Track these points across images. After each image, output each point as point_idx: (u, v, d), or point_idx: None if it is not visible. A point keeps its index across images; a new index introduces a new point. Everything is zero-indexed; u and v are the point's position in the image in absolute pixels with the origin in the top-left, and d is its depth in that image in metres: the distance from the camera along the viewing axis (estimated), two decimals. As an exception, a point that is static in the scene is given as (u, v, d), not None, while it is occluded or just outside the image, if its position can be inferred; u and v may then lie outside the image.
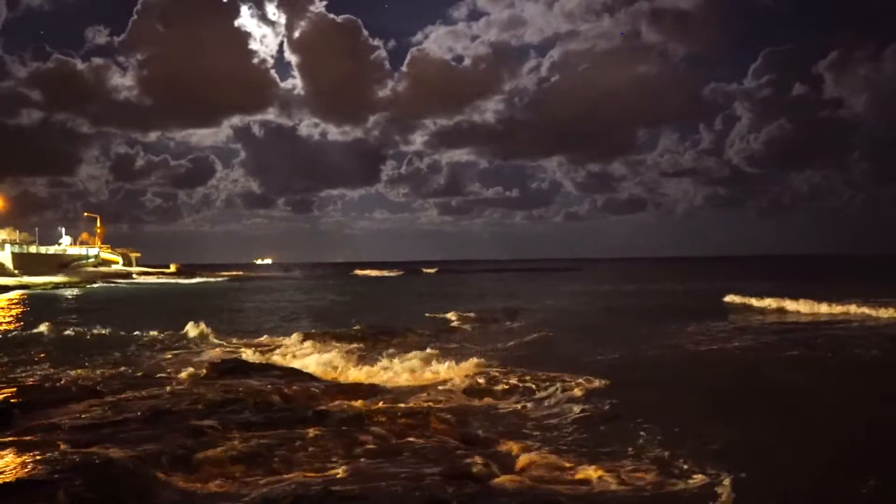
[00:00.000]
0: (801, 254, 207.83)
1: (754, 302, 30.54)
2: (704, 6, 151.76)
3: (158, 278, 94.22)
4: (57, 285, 71.19)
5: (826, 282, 56.62)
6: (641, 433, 9.90)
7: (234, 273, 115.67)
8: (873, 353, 18.05)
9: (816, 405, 12.21)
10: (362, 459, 8.86)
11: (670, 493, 7.77)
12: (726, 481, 7.79)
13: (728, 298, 33.16)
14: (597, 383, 13.70)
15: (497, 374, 15.40)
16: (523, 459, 8.87)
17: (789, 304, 28.69)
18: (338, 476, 8.19)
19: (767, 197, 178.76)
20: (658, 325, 24.82)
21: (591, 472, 8.35)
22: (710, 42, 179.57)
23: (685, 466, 8.44)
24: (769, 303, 29.61)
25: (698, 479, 8.04)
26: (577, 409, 11.80)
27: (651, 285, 59.07)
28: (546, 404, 12.41)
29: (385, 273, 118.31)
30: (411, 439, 9.77)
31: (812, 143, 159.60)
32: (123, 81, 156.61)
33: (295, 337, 21.56)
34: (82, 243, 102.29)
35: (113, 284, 76.88)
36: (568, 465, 8.66)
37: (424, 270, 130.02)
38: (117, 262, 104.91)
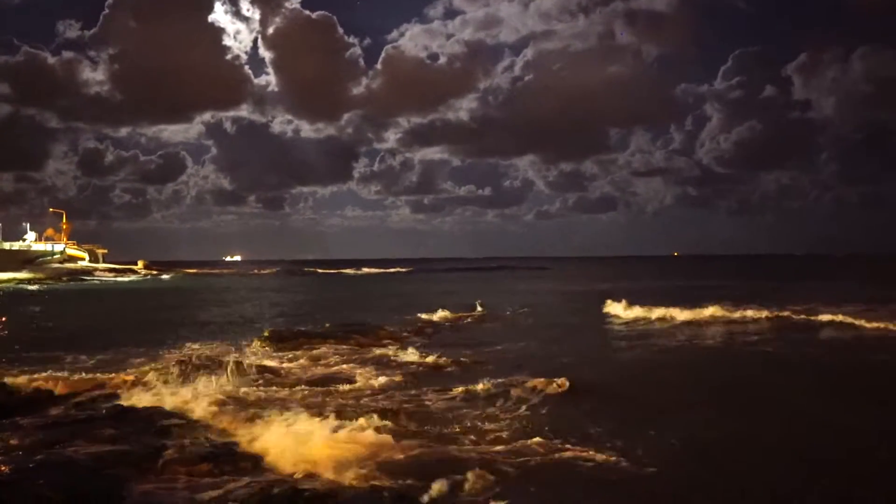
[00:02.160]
0: (770, 253, 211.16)
1: (619, 310, 29.12)
2: (677, 8, 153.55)
3: (125, 276, 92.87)
4: (20, 282, 69.80)
5: (776, 283, 57.74)
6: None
7: (204, 270, 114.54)
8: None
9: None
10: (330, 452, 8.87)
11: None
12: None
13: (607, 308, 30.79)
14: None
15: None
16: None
17: (657, 312, 27.34)
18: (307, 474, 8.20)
19: (737, 197, 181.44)
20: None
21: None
22: (682, 43, 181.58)
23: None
24: (636, 310, 28.30)
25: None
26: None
27: (596, 285, 58.81)
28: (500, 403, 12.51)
29: (392, 270, 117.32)
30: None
31: (781, 143, 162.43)
32: (94, 76, 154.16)
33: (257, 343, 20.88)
34: (47, 239, 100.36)
35: (77, 282, 75.60)
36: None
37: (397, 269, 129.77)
38: (84, 259, 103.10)
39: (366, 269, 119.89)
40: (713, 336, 21.81)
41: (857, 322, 23.24)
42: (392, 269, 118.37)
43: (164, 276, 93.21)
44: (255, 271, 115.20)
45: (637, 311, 27.70)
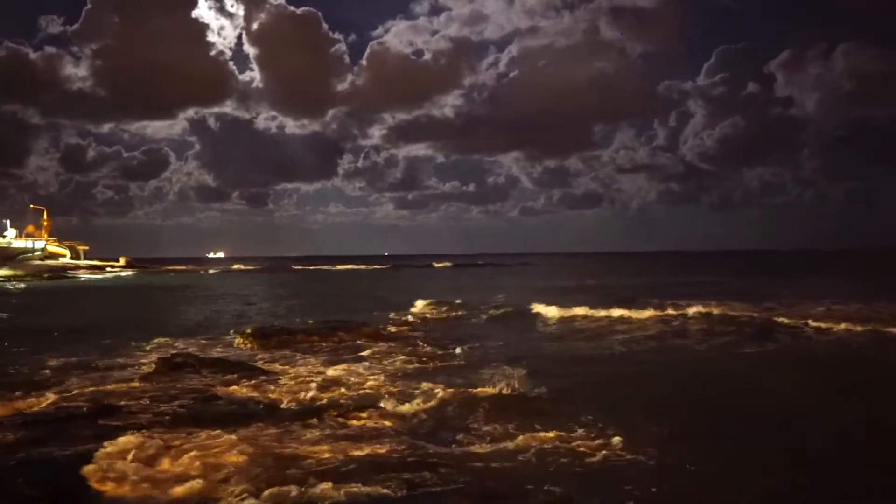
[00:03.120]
0: (753, 249, 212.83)
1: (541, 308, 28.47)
2: (662, 4, 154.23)
3: (101, 273, 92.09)
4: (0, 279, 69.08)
5: (753, 280, 58.48)
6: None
7: (186, 267, 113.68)
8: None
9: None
10: (311, 451, 8.92)
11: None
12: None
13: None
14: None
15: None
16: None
17: (578, 311, 26.73)
18: (284, 468, 8.24)
19: (720, 193, 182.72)
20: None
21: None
22: (666, 40, 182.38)
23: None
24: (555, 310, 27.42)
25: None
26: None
27: (563, 282, 58.94)
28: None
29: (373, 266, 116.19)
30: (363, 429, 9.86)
31: (764, 140, 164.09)
32: (77, 72, 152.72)
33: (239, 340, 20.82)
34: (28, 236, 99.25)
35: (57, 279, 74.89)
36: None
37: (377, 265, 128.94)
38: (65, 256, 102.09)
39: (340, 266, 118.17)
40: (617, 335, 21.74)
41: (778, 319, 23.28)
42: (363, 266, 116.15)
43: (145, 273, 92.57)
44: (237, 267, 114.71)
45: (562, 312, 27.02)
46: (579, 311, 26.80)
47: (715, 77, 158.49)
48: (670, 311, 25.51)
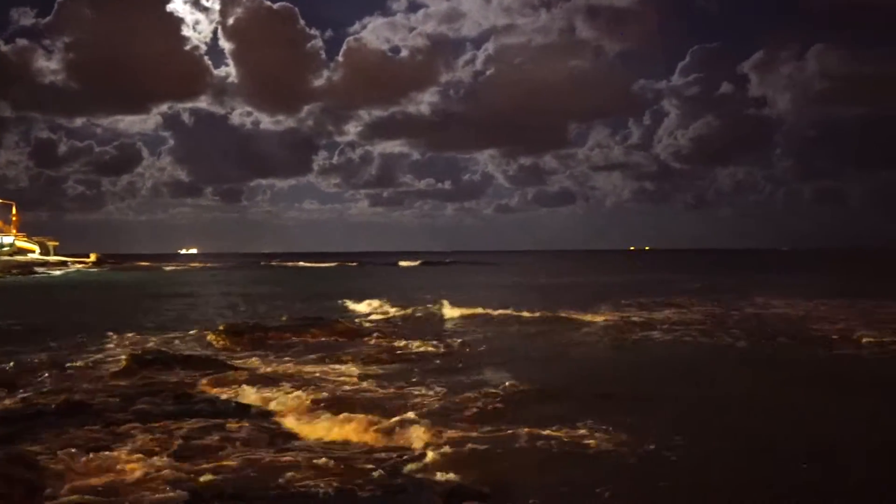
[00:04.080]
0: (727, 248, 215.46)
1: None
2: (637, 4, 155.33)
3: (77, 268, 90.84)
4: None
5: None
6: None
7: (158, 263, 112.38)
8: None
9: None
10: (285, 450, 8.98)
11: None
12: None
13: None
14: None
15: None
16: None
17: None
18: (258, 467, 8.30)
19: (693, 191, 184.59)
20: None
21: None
22: (642, 39, 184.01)
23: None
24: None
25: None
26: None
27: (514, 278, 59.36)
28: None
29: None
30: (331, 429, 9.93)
31: (737, 139, 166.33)
32: (49, 65, 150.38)
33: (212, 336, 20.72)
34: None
35: (26, 275, 73.71)
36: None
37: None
38: (34, 251, 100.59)
39: (301, 263, 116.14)
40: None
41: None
42: (324, 264, 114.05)
43: (117, 270, 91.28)
44: (208, 264, 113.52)
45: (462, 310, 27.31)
46: (479, 310, 27.39)
47: (689, 77, 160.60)
48: (579, 317, 25.89)
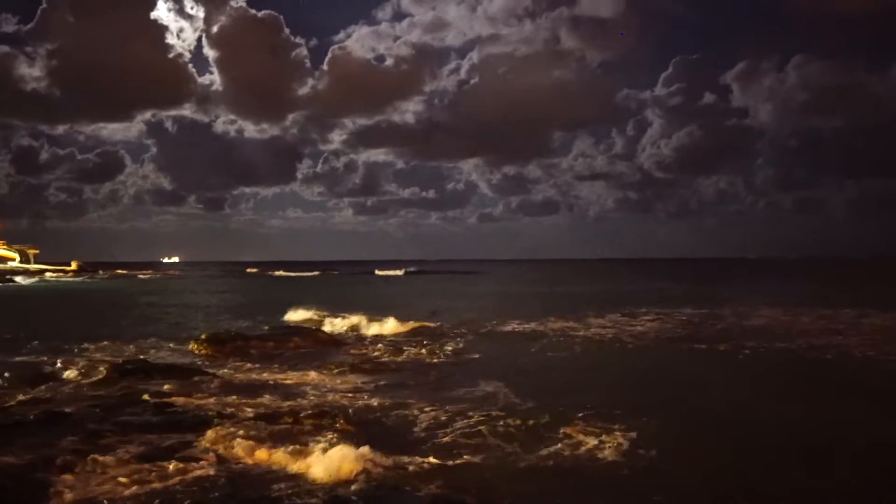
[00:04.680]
0: (709, 257, 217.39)
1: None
2: (621, 15, 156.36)
3: (58, 277, 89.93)
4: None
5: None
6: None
7: (140, 271, 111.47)
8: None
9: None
10: (261, 460, 8.98)
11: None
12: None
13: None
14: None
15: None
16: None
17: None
18: (237, 476, 8.30)
19: (676, 201, 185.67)
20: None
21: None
22: (625, 50, 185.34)
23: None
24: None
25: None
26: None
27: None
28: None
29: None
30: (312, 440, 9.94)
31: (719, 149, 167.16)
32: (31, 72, 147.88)
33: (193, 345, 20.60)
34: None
35: (3, 283, 72.83)
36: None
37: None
38: (14, 259, 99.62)
39: (280, 273, 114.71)
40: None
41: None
42: (293, 273, 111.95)
43: (98, 278, 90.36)
44: (176, 273, 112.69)
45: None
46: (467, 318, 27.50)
47: (672, 87, 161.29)
48: (561, 325, 26.09)
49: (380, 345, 21.09)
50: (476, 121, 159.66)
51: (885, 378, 15.93)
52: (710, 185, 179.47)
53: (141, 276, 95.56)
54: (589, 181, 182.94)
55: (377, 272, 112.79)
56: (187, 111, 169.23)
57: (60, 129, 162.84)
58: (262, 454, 9.17)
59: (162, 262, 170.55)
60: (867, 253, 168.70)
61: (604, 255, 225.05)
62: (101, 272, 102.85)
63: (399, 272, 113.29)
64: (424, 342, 21.50)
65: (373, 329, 24.85)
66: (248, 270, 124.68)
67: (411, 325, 25.62)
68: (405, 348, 20.11)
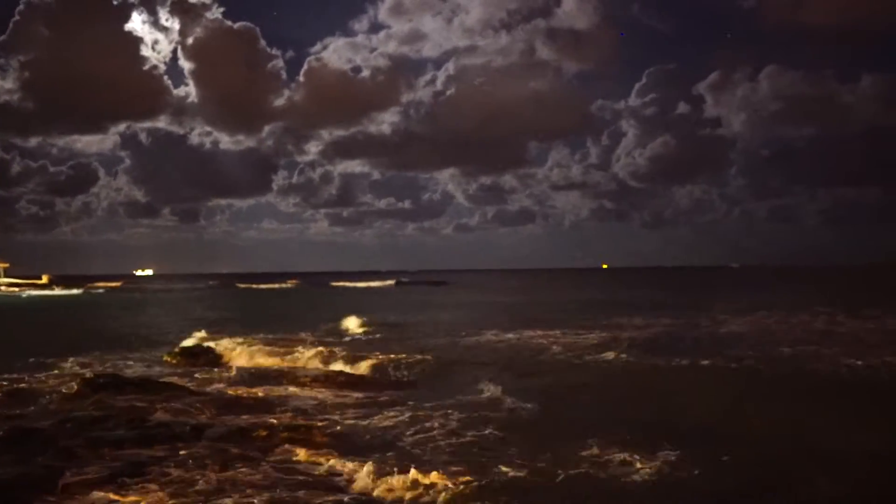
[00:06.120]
0: (684, 265, 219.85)
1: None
2: (596, 26, 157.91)
3: (27, 291, 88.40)
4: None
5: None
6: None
7: (112, 284, 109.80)
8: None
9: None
10: (238, 474, 8.92)
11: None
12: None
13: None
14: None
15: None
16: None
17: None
18: (210, 492, 8.24)
19: (650, 210, 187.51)
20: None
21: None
22: (600, 61, 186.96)
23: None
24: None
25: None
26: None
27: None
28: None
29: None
30: (291, 454, 9.89)
31: (693, 159, 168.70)
32: (3, 84, 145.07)
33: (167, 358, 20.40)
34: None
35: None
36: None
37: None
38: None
39: (243, 285, 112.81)
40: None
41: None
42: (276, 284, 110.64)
43: (68, 291, 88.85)
44: (151, 285, 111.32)
45: None
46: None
47: (646, 97, 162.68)
48: (538, 335, 25.99)
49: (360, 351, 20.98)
50: (452, 131, 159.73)
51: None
52: (685, 195, 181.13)
53: (108, 285, 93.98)
54: (565, 191, 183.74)
55: (358, 284, 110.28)
56: (162, 123, 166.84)
57: (33, 141, 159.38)
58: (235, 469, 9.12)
59: (135, 274, 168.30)
60: (839, 260, 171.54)
61: (580, 264, 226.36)
62: (89, 284, 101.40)
63: (383, 283, 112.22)
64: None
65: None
66: (210, 283, 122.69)
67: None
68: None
